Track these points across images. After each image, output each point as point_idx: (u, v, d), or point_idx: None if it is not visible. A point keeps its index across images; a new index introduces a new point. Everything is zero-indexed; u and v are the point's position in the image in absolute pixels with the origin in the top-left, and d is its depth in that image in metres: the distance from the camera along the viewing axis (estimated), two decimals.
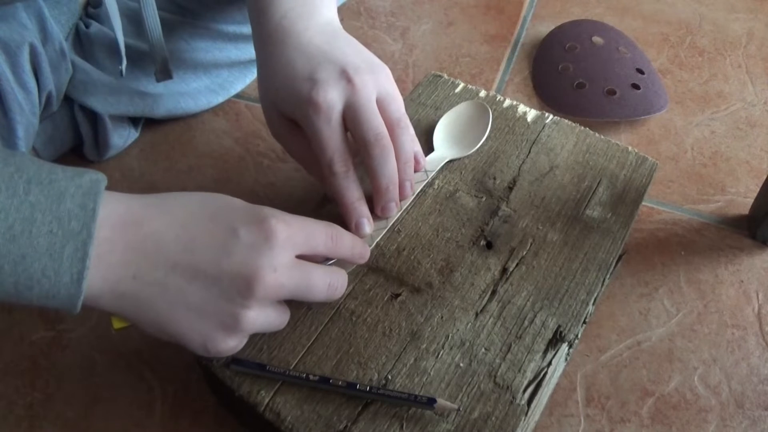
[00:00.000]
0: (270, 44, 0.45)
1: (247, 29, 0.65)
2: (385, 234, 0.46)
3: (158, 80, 0.60)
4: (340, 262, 0.42)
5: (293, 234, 0.36)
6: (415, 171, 0.48)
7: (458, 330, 0.41)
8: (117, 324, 0.37)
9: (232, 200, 0.38)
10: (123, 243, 0.34)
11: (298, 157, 0.47)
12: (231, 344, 0.36)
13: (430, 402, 0.37)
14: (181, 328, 0.35)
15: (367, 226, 0.44)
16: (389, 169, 0.43)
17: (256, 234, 0.35)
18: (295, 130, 0.45)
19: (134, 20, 0.62)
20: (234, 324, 0.35)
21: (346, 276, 0.41)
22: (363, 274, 0.44)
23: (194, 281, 0.35)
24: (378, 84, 0.44)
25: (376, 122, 0.42)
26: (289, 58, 0.44)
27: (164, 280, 0.34)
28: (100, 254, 0.33)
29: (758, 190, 0.57)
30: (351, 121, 0.42)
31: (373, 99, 0.43)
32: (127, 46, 0.61)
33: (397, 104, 0.45)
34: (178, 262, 0.34)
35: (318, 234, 0.38)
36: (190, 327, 0.35)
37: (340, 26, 0.48)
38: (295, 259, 0.37)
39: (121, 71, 0.58)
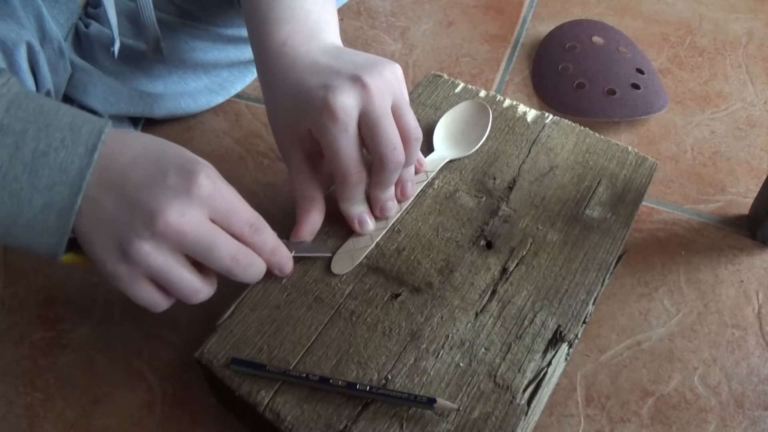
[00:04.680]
0: (274, 72, 0.45)
1: (246, 32, 0.65)
2: (385, 234, 0.46)
3: (151, 58, 0.61)
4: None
5: (215, 196, 0.38)
6: (416, 173, 0.49)
7: (458, 330, 0.41)
8: (66, 258, 0.39)
9: (185, 150, 0.39)
10: None
11: (299, 188, 0.46)
12: (121, 270, 0.37)
13: (430, 402, 0.37)
14: (91, 239, 0.37)
15: (370, 222, 0.45)
16: (396, 179, 0.44)
17: (181, 179, 0.37)
18: (307, 159, 0.45)
19: (133, 20, 0.62)
20: (127, 248, 0.36)
21: (263, 265, 0.41)
22: (363, 274, 0.44)
23: (115, 201, 0.37)
24: (392, 90, 0.43)
25: (394, 136, 0.42)
26: (297, 77, 0.43)
27: (96, 197, 0.37)
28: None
29: (758, 190, 0.57)
30: (368, 131, 0.42)
31: (389, 108, 0.42)
32: (126, 46, 0.61)
33: (411, 113, 0.44)
34: (112, 184, 0.37)
35: (241, 214, 0.39)
36: (97, 240, 0.37)
37: (343, 46, 0.48)
38: (208, 219, 0.38)
39: (113, 52, 0.58)
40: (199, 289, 0.39)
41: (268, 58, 0.45)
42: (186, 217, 0.36)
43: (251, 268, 0.40)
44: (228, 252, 0.38)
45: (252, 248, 0.40)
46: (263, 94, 0.47)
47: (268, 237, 0.41)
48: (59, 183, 0.36)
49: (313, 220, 0.45)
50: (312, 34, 0.46)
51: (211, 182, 0.37)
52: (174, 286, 0.39)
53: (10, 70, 0.50)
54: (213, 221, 0.38)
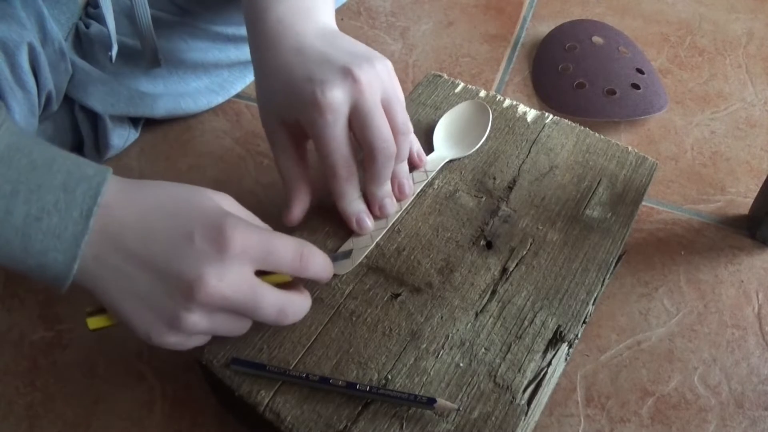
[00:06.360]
0: (265, 48, 0.45)
1: (245, 31, 0.65)
2: (385, 234, 0.46)
3: (147, 68, 0.61)
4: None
5: (249, 247, 0.36)
6: (416, 169, 0.49)
7: (458, 330, 0.41)
8: (93, 324, 0.38)
9: (200, 198, 0.37)
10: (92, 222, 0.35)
11: (285, 169, 0.46)
12: (173, 340, 0.37)
13: (430, 402, 0.37)
14: (128, 314, 0.36)
15: (369, 222, 0.45)
16: (389, 173, 0.44)
17: (209, 241, 0.35)
18: (292, 140, 0.45)
19: (133, 20, 0.62)
20: (175, 323, 0.35)
21: (308, 301, 0.40)
22: (363, 274, 0.44)
23: (145, 273, 0.35)
24: (382, 83, 0.43)
25: (385, 129, 0.42)
26: (286, 60, 0.43)
27: (119, 266, 0.35)
28: None
29: (758, 190, 0.57)
30: (358, 125, 0.42)
31: (379, 101, 0.42)
32: (126, 46, 0.61)
33: (401, 105, 0.44)
34: (134, 251, 0.35)
35: (283, 251, 0.37)
36: (136, 315, 0.36)
37: (338, 30, 0.48)
38: (250, 273, 0.36)
39: (110, 57, 0.58)
40: (248, 326, 0.39)
41: (262, 36, 0.45)
42: (225, 282, 0.35)
43: (297, 313, 0.39)
44: (272, 308, 0.37)
45: (304, 276, 0.39)
46: (254, 74, 0.47)
47: (318, 257, 0.39)
48: (53, 249, 0.34)
49: (303, 200, 0.45)
50: (307, 13, 0.46)
51: (240, 234, 0.35)
52: (226, 335, 0.39)
53: (11, 71, 0.50)
54: (257, 269, 0.37)
